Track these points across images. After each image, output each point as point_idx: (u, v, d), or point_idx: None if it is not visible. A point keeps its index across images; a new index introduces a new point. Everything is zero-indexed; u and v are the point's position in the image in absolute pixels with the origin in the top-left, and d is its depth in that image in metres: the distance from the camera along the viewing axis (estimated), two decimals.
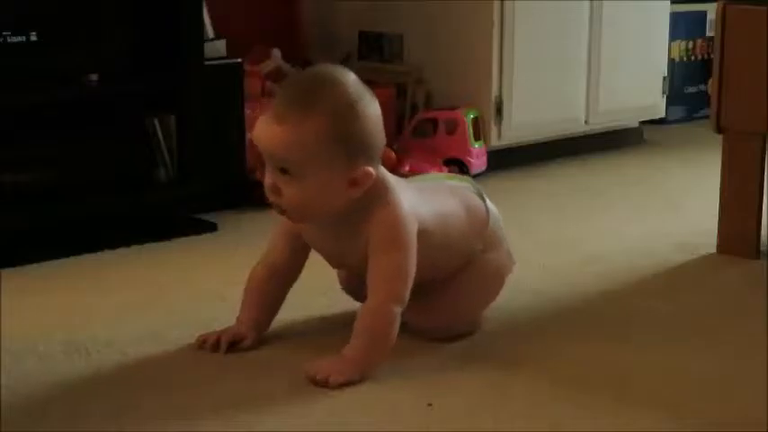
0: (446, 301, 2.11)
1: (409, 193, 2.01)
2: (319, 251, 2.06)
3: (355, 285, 2.15)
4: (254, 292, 2.08)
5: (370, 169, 1.92)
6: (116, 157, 2.84)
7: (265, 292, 2.08)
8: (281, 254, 2.07)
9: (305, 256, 2.09)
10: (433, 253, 2.01)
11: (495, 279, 2.16)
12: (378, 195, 1.95)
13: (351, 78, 1.94)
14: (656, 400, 1.87)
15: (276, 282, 2.08)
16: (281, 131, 1.88)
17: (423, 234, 1.98)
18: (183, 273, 2.54)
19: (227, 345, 2.03)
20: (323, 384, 1.88)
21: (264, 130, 1.90)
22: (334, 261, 2.08)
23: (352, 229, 1.96)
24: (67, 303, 2.32)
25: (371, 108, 1.94)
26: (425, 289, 2.05)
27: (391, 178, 2.00)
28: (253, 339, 2.05)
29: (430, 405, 1.83)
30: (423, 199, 2.03)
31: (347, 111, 1.90)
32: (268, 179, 1.93)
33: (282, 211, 1.95)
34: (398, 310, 1.94)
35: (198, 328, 2.12)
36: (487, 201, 2.17)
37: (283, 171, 1.90)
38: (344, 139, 1.89)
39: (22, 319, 2.22)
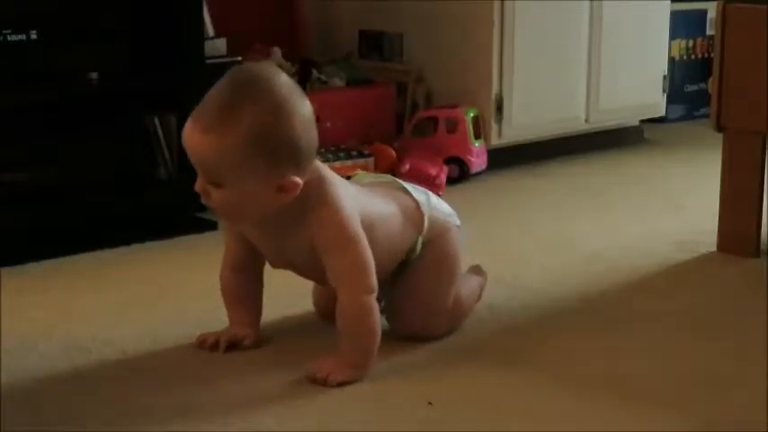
0: (410, 299, 2.09)
1: (351, 190, 1.98)
2: (261, 250, 2.03)
3: (323, 300, 2.17)
4: (232, 294, 2.08)
5: (297, 179, 1.86)
6: (116, 156, 2.84)
7: (242, 292, 2.08)
8: (237, 252, 2.06)
9: None
10: (377, 249, 1.97)
11: (447, 263, 2.12)
12: (316, 193, 1.91)
13: (277, 79, 1.87)
14: (656, 398, 1.87)
15: (246, 278, 2.08)
16: (202, 143, 1.83)
17: (367, 228, 1.95)
18: (183, 271, 2.54)
19: (225, 345, 2.03)
20: (322, 383, 1.88)
21: (190, 138, 1.85)
22: (275, 260, 2.04)
23: (292, 228, 1.94)
24: (68, 302, 2.32)
25: (298, 111, 1.86)
26: (386, 292, 2.06)
27: (330, 174, 1.95)
28: (252, 338, 2.05)
29: (430, 404, 1.83)
30: (365, 197, 2.01)
31: (268, 117, 1.83)
32: (198, 183, 1.88)
33: (215, 212, 1.94)
34: (370, 297, 1.93)
35: (198, 327, 2.12)
36: (413, 194, 2.11)
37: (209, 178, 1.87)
38: (266, 147, 1.83)
39: (22, 317, 2.22)
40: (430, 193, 2.16)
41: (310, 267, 2.00)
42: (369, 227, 1.96)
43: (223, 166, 1.83)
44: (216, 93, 1.86)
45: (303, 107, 1.87)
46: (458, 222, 2.17)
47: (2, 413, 1.78)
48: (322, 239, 1.92)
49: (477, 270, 2.29)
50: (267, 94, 1.84)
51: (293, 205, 1.90)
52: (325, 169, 1.95)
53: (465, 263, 2.22)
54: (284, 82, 1.87)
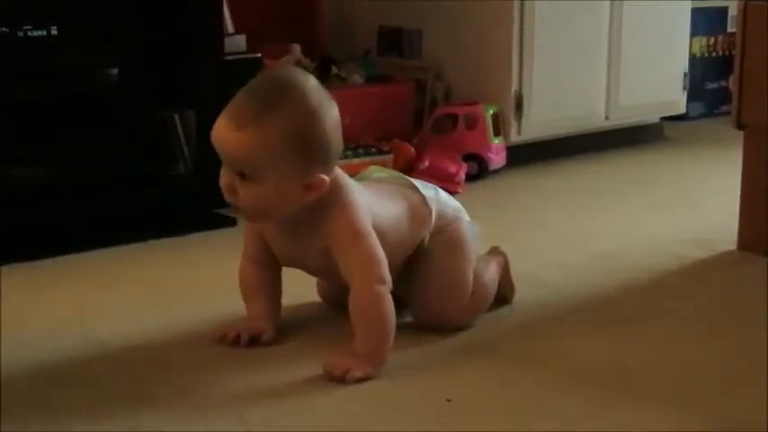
0: (429, 287, 2.11)
1: (365, 195, 2.03)
2: (277, 251, 2.07)
3: (330, 291, 2.21)
4: (251, 288, 2.10)
5: (325, 177, 1.92)
6: (135, 152, 2.84)
7: (260, 286, 2.10)
8: (255, 248, 2.09)
9: None
10: (387, 251, 2.00)
11: (459, 247, 2.15)
12: (333, 198, 1.95)
13: (310, 83, 1.93)
14: (671, 398, 1.86)
15: (265, 273, 2.10)
16: (240, 137, 1.87)
17: (379, 234, 1.99)
18: (201, 267, 2.54)
19: (247, 340, 2.04)
20: (340, 380, 1.89)
21: (223, 134, 1.90)
22: (290, 261, 2.08)
23: (309, 229, 1.98)
24: (85, 297, 2.33)
25: (330, 114, 1.93)
26: (404, 287, 2.08)
27: (346, 179, 2.01)
28: (271, 333, 2.06)
29: (449, 401, 1.83)
30: (378, 202, 2.05)
31: (306, 117, 1.89)
32: (224, 179, 1.93)
33: (238, 209, 1.96)
34: (383, 288, 1.95)
35: (216, 322, 2.13)
36: (421, 190, 2.15)
37: (240, 174, 1.90)
38: (302, 145, 1.89)
39: (40, 312, 2.23)
40: (439, 189, 2.20)
41: (322, 269, 2.04)
42: (380, 234, 2.00)
43: (257, 161, 1.88)
44: (250, 92, 1.92)
45: (333, 110, 1.94)
46: (467, 218, 2.21)
47: (18, 407, 1.79)
48: (334, 237, 1.96)
49: (495, 251, 2.30)
50: (302, 95, 1.90)
51: (310, 207, 1.95)
52: (341, 174, 2.00)
53: (479, 253, 2.24)
54: (316, 85, 1.94)
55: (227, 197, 1.94)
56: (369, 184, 2.13)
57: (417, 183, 2.17)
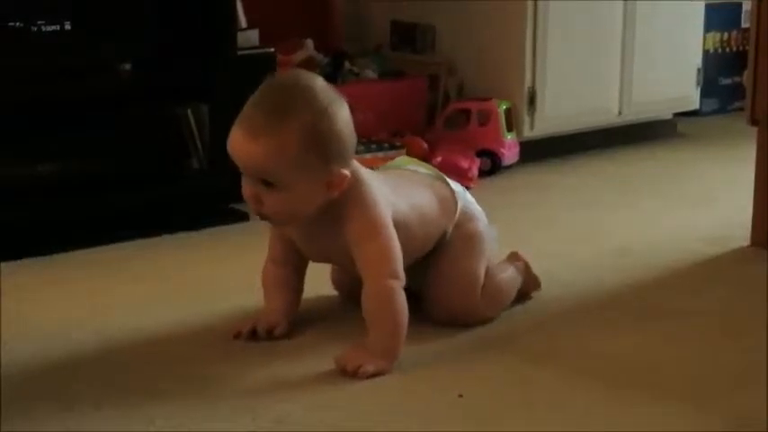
0: (442, 281, 2.12)
1: (384, 188, 2.04)
2: (301, 248, 2.08)
3: (344, 281, 2.23)
4: (271, 284, 2.12)
5: (346, 171, 1.94)
6: (148, 147, 2.85)
7: (280, 283, 2.11)
8: (279, 250, 2.11)
9: None
10: (413, 243, 2.04)
11: (473, 241, 2.16)
12: (351, 193, 1.97)
13: (319, 84, 1.95)
14: (685, 395, 1.86)
15: (287, 273, 2.11)
16: (257, 147, 1.89)
17: (402, 226, 2.00)
18: (214, 262, 2.55)
19: (264, 333, 2.05)
20: (352, 375, 1.89)
21: (240, 147, 1.91)
22: (316, 257, 2.11)
23: (329, 225, 1.99)
24: (97, 293, 2.33)
25: (341, 111, 1.94)
26: (419, 281, 2.10)
27: (365, 172, 2.02)
28: (283, 328, 2.07)
29: (461, 396, 1.83)
30: (397, 193, 2.06)
31: (319, 118, 1.91)
32: (247, 189, 1.94)
33: (264, 217, 1.97)
34: (396, 283, 1.96)
35: (228, 317, 2.13)
36: (451, 184, 2.18)
37: (264, 182, 1.92)
38: (318, 146, 1.90)
39: (54, 307, 2.24)
40: (466, 190, 2.23)
41: (345, 263, 2.04)
42: (403, 225, 2.01)
43: (278, 168, 1.90)
44: (260, 100, 1.93)
45: (343, 107, 1.96)
46: (485, 221, 2.22)
47: (31, 403, 1.80)
48: (352, 233, 1.97)
49: (513, 257, 2.30)
50: (311, 97, 1.92)
51: (332, 204, 1.96)
52: (360, 169, 2.01)
53: (496, 257, 2.25)
54: (323, 85, 1.96)
55: (252, 207, 1.97)
56: (393, 174, 2.14)
57: (448, 179, 2.19)
